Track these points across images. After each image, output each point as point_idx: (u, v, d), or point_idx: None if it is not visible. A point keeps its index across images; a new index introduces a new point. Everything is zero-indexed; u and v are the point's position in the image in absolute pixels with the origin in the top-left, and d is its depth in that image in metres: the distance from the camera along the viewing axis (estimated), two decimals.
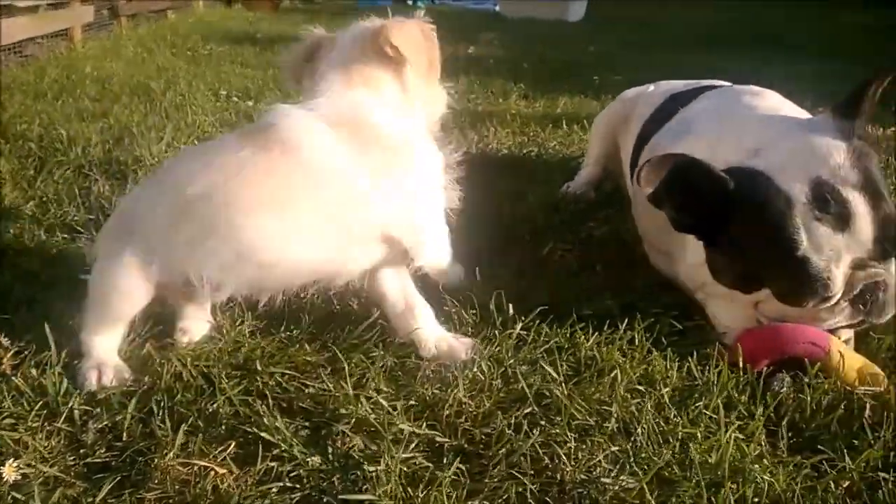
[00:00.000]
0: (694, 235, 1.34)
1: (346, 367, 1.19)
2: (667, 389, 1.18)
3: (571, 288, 1.53)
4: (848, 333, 1.34)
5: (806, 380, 1.21)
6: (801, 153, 1.27)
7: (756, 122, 1.43)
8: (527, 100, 3.65)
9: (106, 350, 1.26)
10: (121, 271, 1.20)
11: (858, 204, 1.20)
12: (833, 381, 1.21)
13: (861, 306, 1.24)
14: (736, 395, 1.17)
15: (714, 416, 1.11)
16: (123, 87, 3.68)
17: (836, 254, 1.19)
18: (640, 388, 1.19)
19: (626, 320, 1.34)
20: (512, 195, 2.02)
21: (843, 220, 1.19)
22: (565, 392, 1.15)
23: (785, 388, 1.20)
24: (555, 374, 1.19)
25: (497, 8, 9.31)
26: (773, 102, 1.52)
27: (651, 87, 2.07)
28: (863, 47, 6.10)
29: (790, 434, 1.12)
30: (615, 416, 1.10)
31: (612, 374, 1.20)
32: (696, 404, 1.14)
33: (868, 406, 1.16)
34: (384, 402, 1.12)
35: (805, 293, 1.21)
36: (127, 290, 1.22)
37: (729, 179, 1.25)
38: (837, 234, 1.19)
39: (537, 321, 1.36)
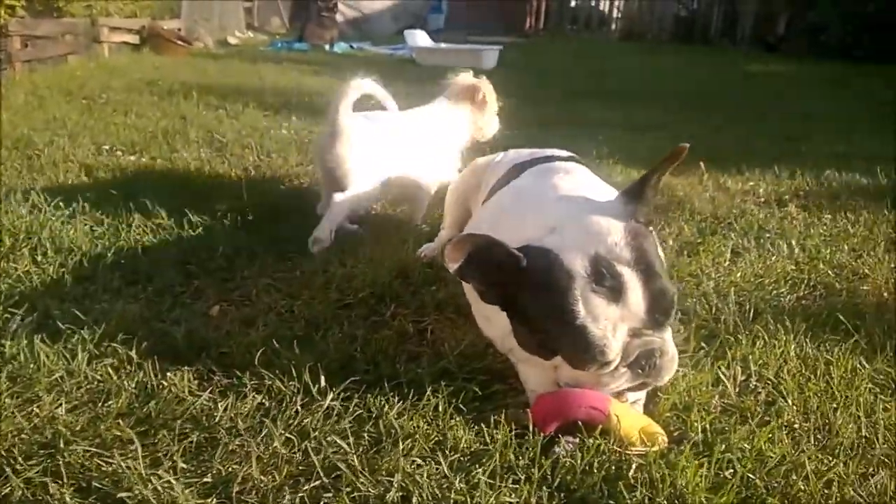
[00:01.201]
0: (499, 307, 1.45)
1: (139, 447, 1.23)
2: (456, 455, 1.27)
3: (396, 353, 1.61)
4: (638, 395, 1.47)
5: (588, 441, 1.31)
6: (585, 231, 1.40)
7: (557, 202, 1.56)
8: None
9: None
10: None
11: (631, 278, 1.33)
12: (611, 441, 1.32)
13: (640, 370, 1.36)
14: (515, 458, 1.26)
15: (491, 480, 1.20)
16: (5, 139, 3.61)
17: (611, 323, 1.31)
18: (431, 455, 1.27)
19: (431, 388, 1.43)
20: (369, 259, 2.10)
21: (616, 292, 1.32)
22: (356, 463, 1.22)
23: (565, 452, 1.30)
24: (346, 447, 1.25)
25: (413, 55, 9.54)
26: (577, 182, 1.66)
27: (500, 157, 2.20)
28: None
29: (562, 496, 1.21)
30: (396, 485, 1.17)
31: (406, 443, 1.28)
32: (478, 469, 1.23)
33: (634, 465, 1.27)
34: (173, 481, 1.16)
35: (586, 359, 1.33)
36: None
37: (521, 256, 1.36)
38: (612, 305, 1.31)
39: (353, 390, 1.43)
